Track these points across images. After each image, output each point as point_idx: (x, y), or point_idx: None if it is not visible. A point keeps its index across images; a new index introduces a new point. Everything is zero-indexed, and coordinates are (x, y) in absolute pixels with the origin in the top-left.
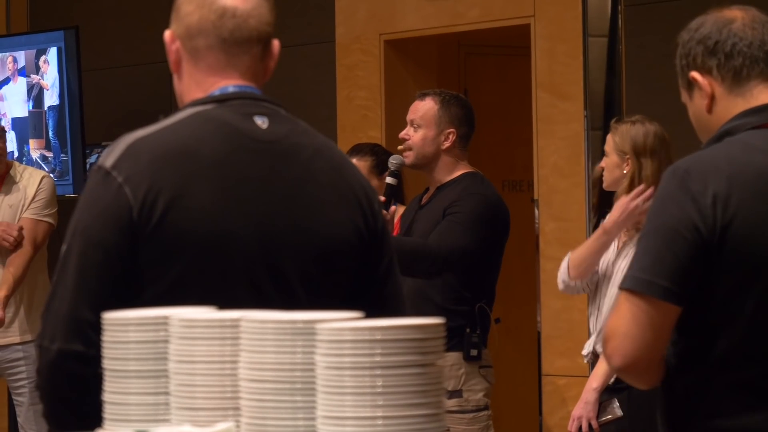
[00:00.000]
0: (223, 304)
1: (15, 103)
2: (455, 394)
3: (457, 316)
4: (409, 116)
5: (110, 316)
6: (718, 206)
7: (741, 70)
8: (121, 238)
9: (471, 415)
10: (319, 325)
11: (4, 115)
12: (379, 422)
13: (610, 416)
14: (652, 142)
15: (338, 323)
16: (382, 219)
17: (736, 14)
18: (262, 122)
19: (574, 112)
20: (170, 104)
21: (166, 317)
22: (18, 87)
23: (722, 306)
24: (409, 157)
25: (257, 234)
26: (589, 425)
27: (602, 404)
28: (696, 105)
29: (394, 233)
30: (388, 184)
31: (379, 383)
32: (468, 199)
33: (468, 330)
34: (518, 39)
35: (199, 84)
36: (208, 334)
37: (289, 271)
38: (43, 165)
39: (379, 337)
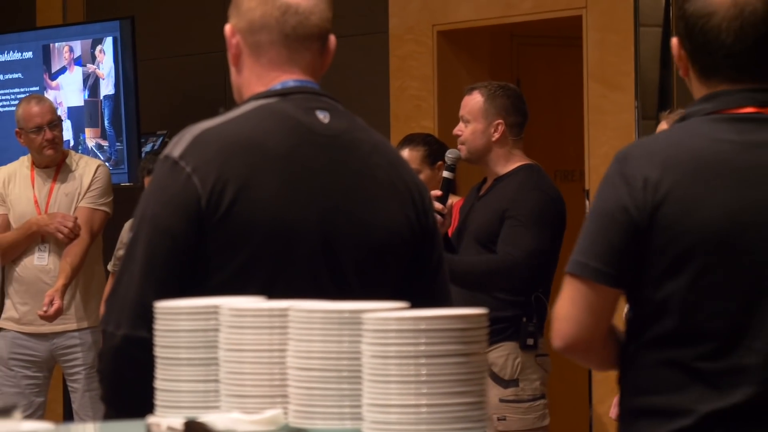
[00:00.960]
0: (283, 292)
1: (71, 92)
2: (511, 383)
3: (514, 306)
4: (460, 112)
5: (162, 305)
6: (648, 188)
7: (707, 69)
8: (189, 227)
9: (527, 404)
10: (364, 315)
11: (61, 104)
12: (423, 410)
13: None
14: None
15: (383, 313)
16: (433, 216)
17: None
18: (323, 117)
19: (625, 102)
20: (225, 94)
21: (216, 306)
22: (74, 76)
23: (656, 286)
24: (463, 151)
25: (318, 226)
26: None
27: None
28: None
29: (453, 224)
30: (444, 178)
31: (424, 372)
32: (527, 197)
33: (524, 319)
34: (570, 30)
35: (260, 78)
36: (256, 323)
37: (346, 262)
38: (98, 154)
39: (423, 327)
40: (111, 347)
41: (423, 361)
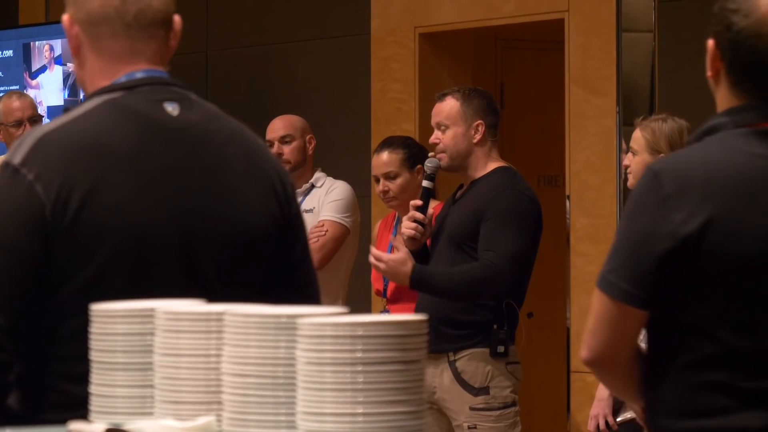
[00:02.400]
0: (143, 298)
1: (51, 91)
2: (482, 391)
3: (484, 311)
4: (434, 120)
5: (98, 307)
6: (688, 211)
7: (745, 84)
8: (33, 238)
9: (498, 412)
10: (299, 320)
11: (41, 103)
12: (360, 419)
13: (629, 415)
14: (687, 139)
15: (319, 318)
16: (296, 205)
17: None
18: (172, 109)
19: (606, 107)
20: (206, 94)
21: (152, 309)
22: (54, 75)
23: (698, 308)
24: (444, 159)
25: (173, 227)
26: (607, 423)
27: (624, 403)
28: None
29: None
30: (424, 187)
31: (360, 379)
32: (503, 196)
33: (495, 326)
34: (553, 33)
35: (103, 71)
36: (192, 327)
37: (206, 264)
38: None
39: (360, 333)
40: None
41: (360, 368)
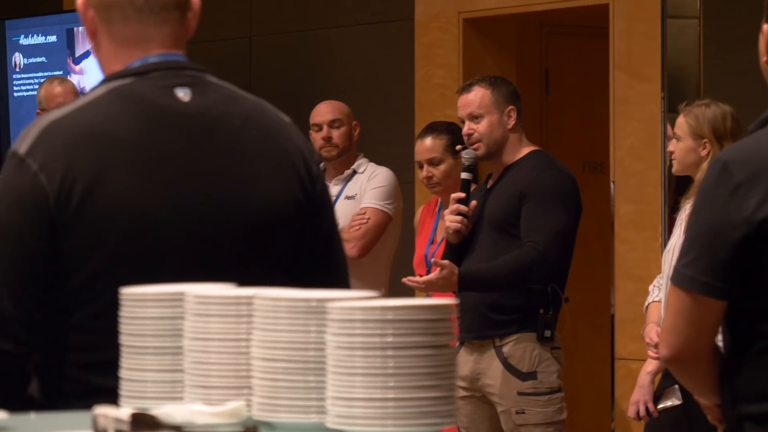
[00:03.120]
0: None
1: (95, 76)
2: (530, 376)
3: (530, 296)
4: (465, 111)
5: (128, 291)
6: (758, 199)
7: None
8: (39, 229)
9: (546, 397)
10: (329, 304)
11: (84, 88)
12: (390, 404)
13: (669, 403)
14: (731, 125)
15: (350, 302)
16: (322, 184)
17: None
18: (184, 94)
19: (651, 93)
20: (249, 79)
21: (182, 293)
22: None
23: None
24: (481, 149)
25: (183, 216)
26: (648, 410)
27: (665, 391)
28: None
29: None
30: (463, 179)
31: (391, 364)
32: (544, 176)
33: (542, 310)
34: (598, 19)
35: (116, 56)
36: (222, 311)
37: (222, 249)
38: None
39: (391, 317)
40: None
41: (390, 352)
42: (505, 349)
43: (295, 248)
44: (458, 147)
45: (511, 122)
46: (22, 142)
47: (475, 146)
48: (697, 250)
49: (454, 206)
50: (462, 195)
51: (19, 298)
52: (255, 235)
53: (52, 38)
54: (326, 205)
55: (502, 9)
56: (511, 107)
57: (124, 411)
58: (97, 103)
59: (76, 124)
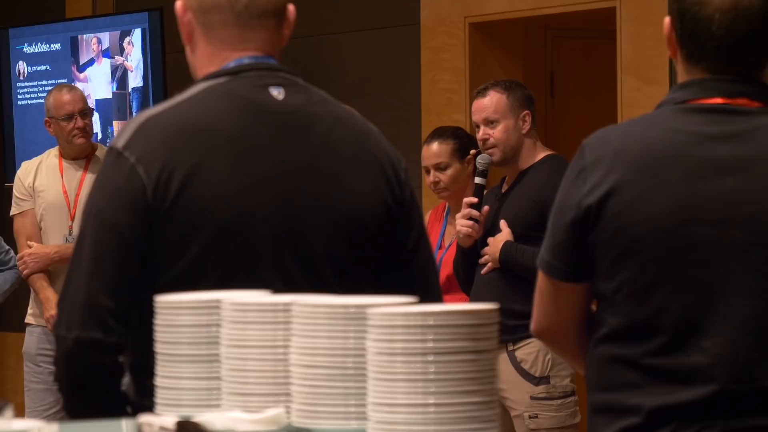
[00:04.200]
0: (247, 285)
1: (99, 84)
2: (542, 380)
3: None
4: (480, 116)
5: (163, 299)
6: (596, 181)
7: (694, 56)
8: (136, 220)
9: (559, 401)
10: (370, 310)
11: (89, 96)
12: (431, 409)
13: None
14: None
15: (390, 308)
16: (410, 188)
17: None
18: (278, 93)
19: (659, 96)
20: None
21: (218, 300)
22: (102, 68)
23: (605, 280)
24: (496, 154)
25: (277, 210)
26: None
27: None
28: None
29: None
30: (477, 184)
31: (432, 369)
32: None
33: None
34: (605, 22)
35: (212, 58)
36: (260, 318)
37: (314, 247)
38: None
39: (431, 323)
40: (64, 351)
41: (431, 358)
42: (518, 354)
43: (383, 252)
44: (472, 151)
45: (526, 127)
46: (119, 138)
47: (490, 151)
48: (548, 231)
49: (466, 211)
50: (474, 200)
51: (114, 289)
52: (346, 233)
53: (56, 46)
54: (415, 212)
55: (509, 13)
56: (526, 112)
57: (168, 419)
58: (193, 99)
59: (172, 119)
